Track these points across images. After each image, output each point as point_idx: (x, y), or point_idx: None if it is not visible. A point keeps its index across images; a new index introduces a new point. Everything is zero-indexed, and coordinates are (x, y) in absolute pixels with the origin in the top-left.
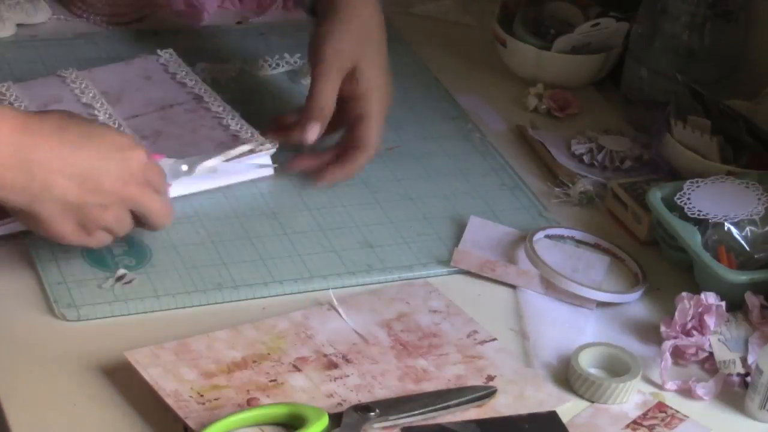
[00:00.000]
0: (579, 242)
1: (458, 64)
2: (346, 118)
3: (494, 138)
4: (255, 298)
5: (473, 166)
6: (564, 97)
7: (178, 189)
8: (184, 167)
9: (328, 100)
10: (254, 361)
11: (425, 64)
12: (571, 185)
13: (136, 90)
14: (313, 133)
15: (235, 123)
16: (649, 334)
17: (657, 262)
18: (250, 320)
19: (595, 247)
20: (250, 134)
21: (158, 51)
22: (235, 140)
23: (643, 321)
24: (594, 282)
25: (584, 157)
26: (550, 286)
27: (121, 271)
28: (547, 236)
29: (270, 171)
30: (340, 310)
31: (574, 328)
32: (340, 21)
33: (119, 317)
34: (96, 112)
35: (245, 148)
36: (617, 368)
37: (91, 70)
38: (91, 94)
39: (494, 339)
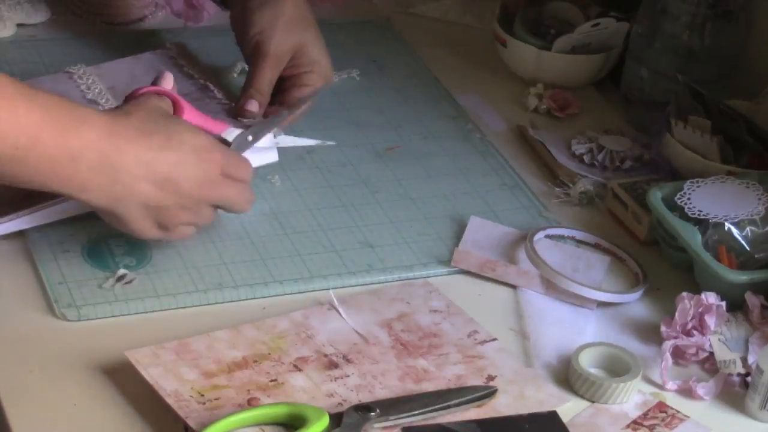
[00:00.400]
0: (579, 242)
1: (458, 64)
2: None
3: (494, 138)
4: (255, 298)
5: (473, 166)
6: (564, 97)
7: None
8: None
9: (266, 86)
10: (255, 361)
11: (425, 64)
12: (571, 185)
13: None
14: (253, 105)
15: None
16: (650, 334)
17: (657, 262)
18: (250, 320)
19: (596, 247)
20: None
21: (167, 44)
22: (239, 123)
23: (644, 321)
24: (594, 282)
25: (584, 157)
26: (550, 286)
27: (122, 271)
28: (548, 236)
29: (275, 157)
30: (341, 310)
31: (575, 328)
32: (272, 7)
33: (119, 317)
34: (100, 108)
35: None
36: (617, 368)
37: (100, 65)
38: (97, 90)
39: (494, 339)
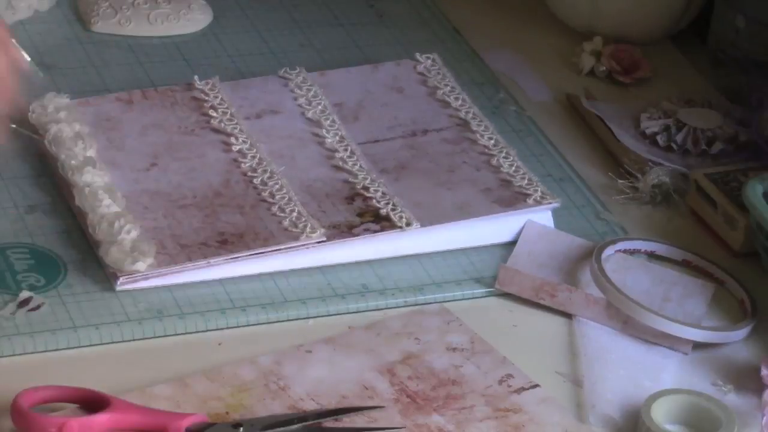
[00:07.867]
0: (659, 258)
1: (486, 11)
2: None
3: (535, 112)
4: (208, 330)
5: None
6: (630, 56)
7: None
8: None
9: None
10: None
11: (441, 10)
12: (640, 176)
13: (381, 105)
14: None
15: (509, 164)
16: (746, 378)
17: (757, 282)
18: (201, 366)
19: (684, 265)
20: (527, 181)
21: (417, 55)
22: (506, 187)
23: (739, 361)
24: (693, 317)
25: (658, 138)
26: (629, 320)
27: (25, 294)
28: (620, 251)
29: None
30: (325, 351)
31: (648, 371)
32: None
33: (22, 356)
34: (324, 132)
35: None
36: (703, 424)
37: (326, 72)
38: (319, 107)
39: (536, 386)
